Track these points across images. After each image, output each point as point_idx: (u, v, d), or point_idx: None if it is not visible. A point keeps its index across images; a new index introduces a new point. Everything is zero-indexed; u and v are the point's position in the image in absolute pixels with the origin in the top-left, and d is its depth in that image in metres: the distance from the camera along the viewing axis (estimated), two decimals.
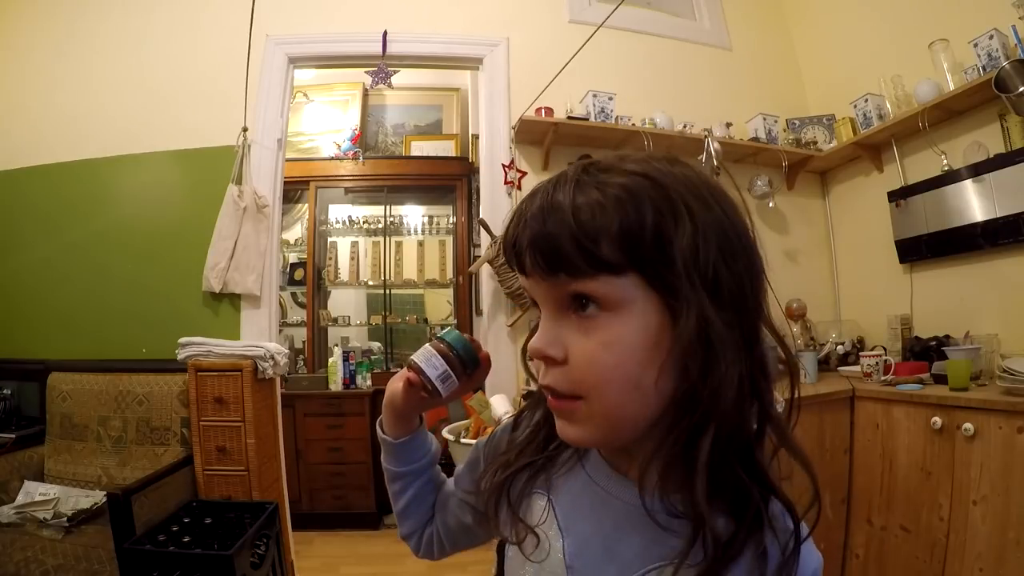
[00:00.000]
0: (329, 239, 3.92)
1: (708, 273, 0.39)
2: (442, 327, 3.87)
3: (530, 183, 2.64)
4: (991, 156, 1.99)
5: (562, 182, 0.42)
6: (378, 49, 2.59)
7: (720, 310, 0.39)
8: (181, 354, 2.10)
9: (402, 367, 0.62)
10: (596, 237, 0.39)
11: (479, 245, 3.40)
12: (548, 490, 0.50)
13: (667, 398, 0.41)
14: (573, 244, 0.39)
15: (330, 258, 3.84)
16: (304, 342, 3.71)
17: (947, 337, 2.05)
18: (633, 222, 0.39)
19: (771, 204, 2.70)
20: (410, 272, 3.90)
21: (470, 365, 0.58)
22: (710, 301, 0.39)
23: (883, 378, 1.96)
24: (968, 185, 2.04)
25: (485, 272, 2.52)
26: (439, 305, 3.97)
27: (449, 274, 3.85)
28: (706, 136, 2.48)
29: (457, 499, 0.63)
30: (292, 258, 3.92)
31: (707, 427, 0.39)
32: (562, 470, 0.51)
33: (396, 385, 0.61)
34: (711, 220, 0.41)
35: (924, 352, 2.05)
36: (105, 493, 1.79)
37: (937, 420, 1.64)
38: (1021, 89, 1.79)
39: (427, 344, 0.58)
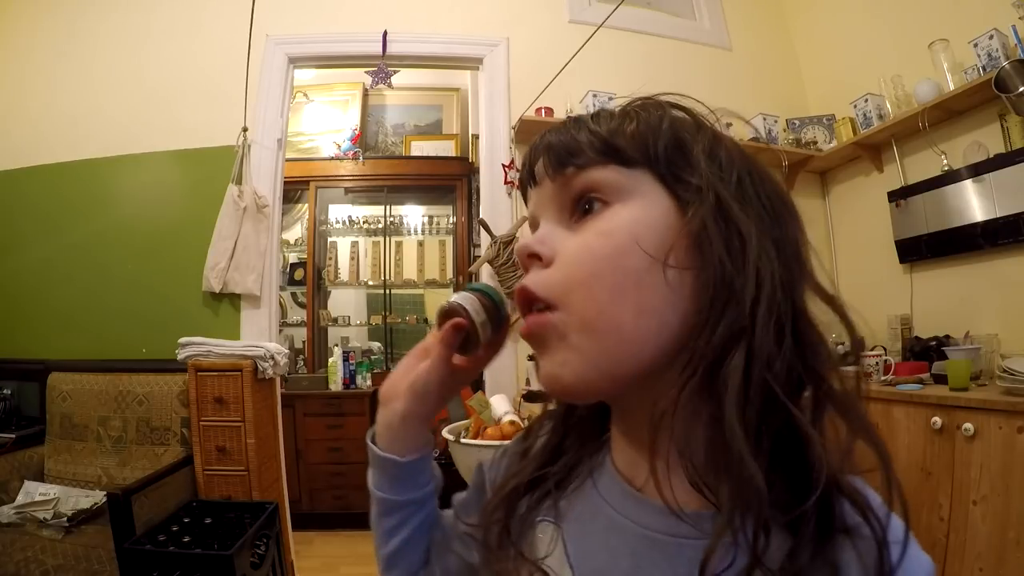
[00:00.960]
0: (329, 239, 3.92)
1: (731, 179, 0.35)
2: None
3: None
4: (991, 156, 1.99)
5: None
6: (378, 49, 2.59)
7: (748, 217, 0.34)
8: (181, 354, 2.10)
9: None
10: (612, 131, 0.37)
11: (479, 245, 3.40)
12: (556, 517, 0.41)
13: (684, 313, 0.33)
14: (588, 134, 0.37)
15: (330, 258, 3.84)
16: (304, 342, 3.71)
17: (947, 337, 2.05)
18: (652, 123, 0.37)
19: None
20: (410, 272, 3.90)
21: (498, 323, 0.48)
22: (733, 198, 0.35)
23: (883, 378, 1.95)
24: (968, 185, 2.04)
25: (485, 272, 2.52)
26: (439, 305, 3.97)
27: (449, 274, 3.85)
28: None
29: (460, 534, 0.50)
30: (292, 258, 3.92)
31: (735, 342, 0.31)
32: (571, 490, 0.42)
33: (419, 366, 0.48)
34: (738, 151, 0.37)
35: (924, 352, 2.05)
36: (105, 493, 1.79)
37: (937, 420, 1.64)
38: (1021, 89, 1.79)
39: (460, 292, 0.50)
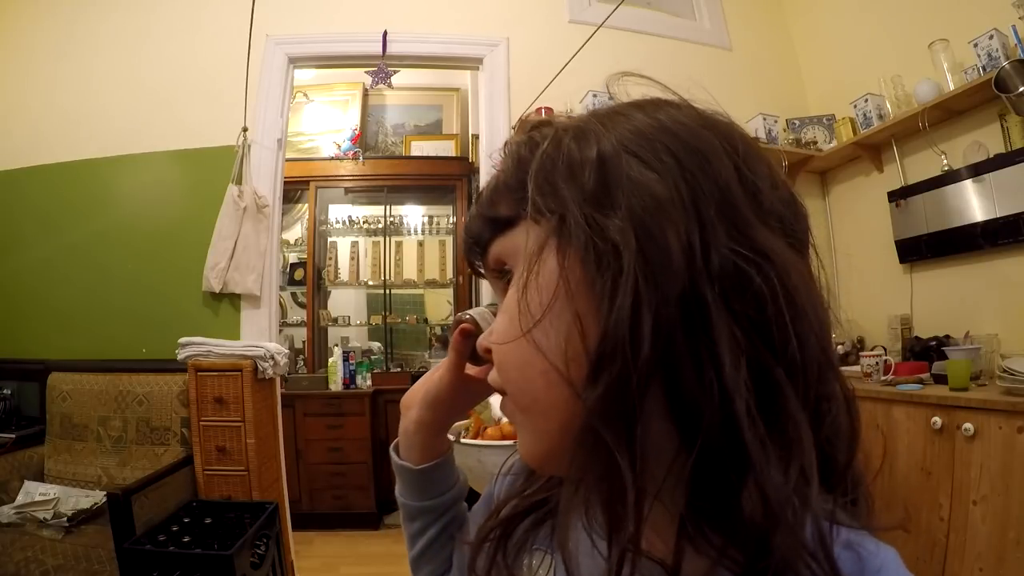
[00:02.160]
0: (329, 239, 3.92)
1: (583, 182, 0.30)
2: (442, 328, 3.87)
3: None
4: (991, 156, 1.99)
5: None
6: (378, 49, 2.59)
7: (602, 214, 0.28)
8: (181, 354, 2.10)
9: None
10: (492, 202, 0.36)
11: None
12: (551, 545, 0.38)
13: (576, 363, 0.29)
14: (479, 219, 0.37)
15: (330, 258, 3.84)
16: (304, 342, 3.71)
17: (947, 337, 2.05)
18: (507, 167, 0.35)
19: None
20: (410, 272, 3.90)
21: None
22: (586, 204, 0.29)
23: (883, 378, 1.95)
24: (968, 185, 2.04)
25: None
26: (439, 305, 3.98)
27: (449, 274, 3.85)
28: None
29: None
30: (292, 258, 3.92)
31: (599, 380, 0.27)
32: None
33: (434, 373, 0.48)
34: (598, 128, 0.32)
35: (924, 352, 2.05)
36: (105, 493, 1.79)
37: (937, 420, 1.64)
38: (1021, 89, 1.79)
39: (478, 308, 0.51)
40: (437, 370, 0.49)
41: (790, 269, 0.28)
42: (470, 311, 0.48)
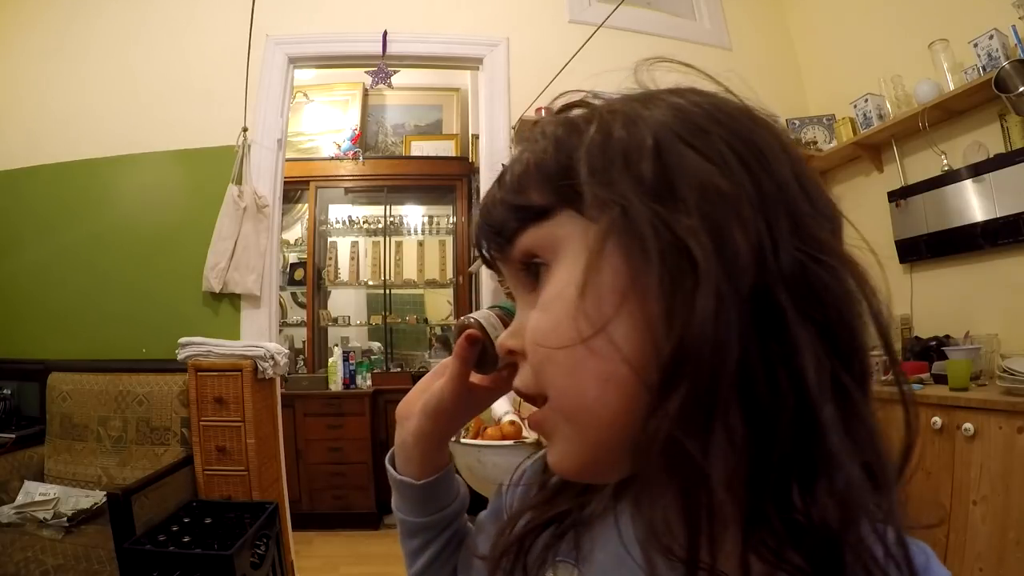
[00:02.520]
0: (329, 239, 3.92)
1: (642, 170, 0.28)
2: (442, 328, 3.87)
3: None
4: (991, 156, 1.99)
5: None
6: (378, 49, 2.59)
7: (676, 212, 0.27)
8: (181, 354, 2.10)
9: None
10: (518, 187, 0.33)
11: None
12: (577, 558, 0.37)
13: (643, 369, 0.27)
14: (501, 204, 0.34)
15: (330, 258, 3.84)
16: (304, 342, 3.71)
17: (947, 337, 2.05)
18: (545, 152, 0.32)
19: None
20: (410, 272, 3.90)
21: None
22: (648, 198, 0.27)
23: (883, 378, 1.95)
24: (968, 185, 2.04)
25: (485, 272, 2.52)
26: (439, 305, 3.98)
27: (449, 274, 3.85)
28: None
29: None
30: (292, 258, 3.92)
31: (677, 386, 0.25)
32: (595, 528, 0.37)
33: (435, 384, 0.45)
34: (642, 116, 0.30)
35: (924, 352, 2.05)
36: (105, 493, 1.79)
37: (937, 420, 1.64)
38: (1021, 89, 1.79)
39: (482, 310, 0.48)
40: (436, 377, 0.45)
41: (861, 273, 0.28)
42: (473, 315, 0.46)
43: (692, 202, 0.26)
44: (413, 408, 0.46)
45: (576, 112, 0.33)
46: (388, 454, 0.49)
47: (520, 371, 0.34)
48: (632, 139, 0.29)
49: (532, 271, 0.33)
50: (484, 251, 0.36)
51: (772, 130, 0.31)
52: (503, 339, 0.35)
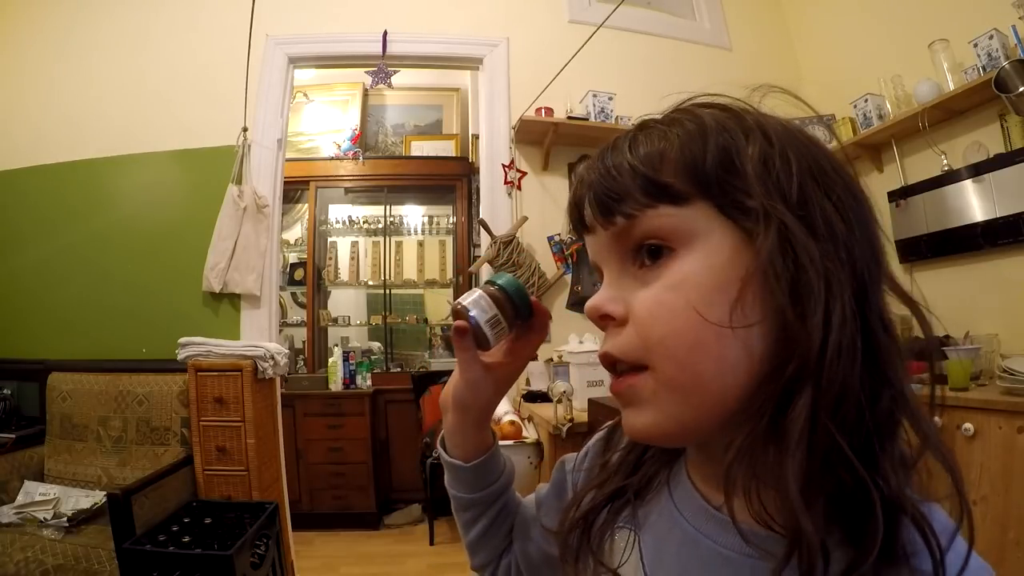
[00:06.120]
0: (329, 239, 3.92)
1: (791, 191, 0.32)
2: (443, 328, 3.87)
3: (530, 183, 2.64)
4: (991, 156, 1.99)
5: (623, 136, 0.38)
6: (378, 49, 2.59)
7: (815, 239, 0.32)
8: (181, 354, 2.10)
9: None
10: (655, 163, 0.34)
11: (479, 245, 3.40)
12: (635, 525, 0.41)
13: (759, 359, 0.32)
14: (630, 174, 0.35)
15: (330, 258, 3.84)
16: (304, 342, 3.71)
17: (947, 337, 2.05)
18: (695, 142, 0.34)
19: None
20: (410, 272, 3.90)
21: (523, 312, 0.48)
22: (797, 220, 0.32)
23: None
24: (968, 185, 2.04)
25: (485, 272, 2.52)
26: (439, 305, 3.98)
27: (449, 274, 3.85)
28: None
29: (539, 527, 0.52)
30: (292, 258, 3.92)
31: (802, 385, 0.30)
32: (649, 499, 0.42)
33: (455, 374, 0.50)
34: (793, 142, 0.35)
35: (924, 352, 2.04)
36: (105, 493, 1.79)
37: (937, 420, 1.64)
38: (1021, 89, 1.79)
39: (475, 288, 0.50)
40: (456, 370, 0.50)
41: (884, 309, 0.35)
42: (462, 300, 0.47)
43: (826, 235, 0.32)
44: (447, 402, 0.51)
45: (725, 113, 0.36)
46: (439, 437, 0.54)
47: (616, 337, 0.36)
48: (784, 161, 0.33)
49: (645, 250, 0.35)
50: (588, 215, 0.37)
51: (855, 181, 0.36)
52: (604, 305, 0.36)
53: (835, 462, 0.30)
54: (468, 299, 0.47)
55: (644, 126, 0.37)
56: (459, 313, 0.47)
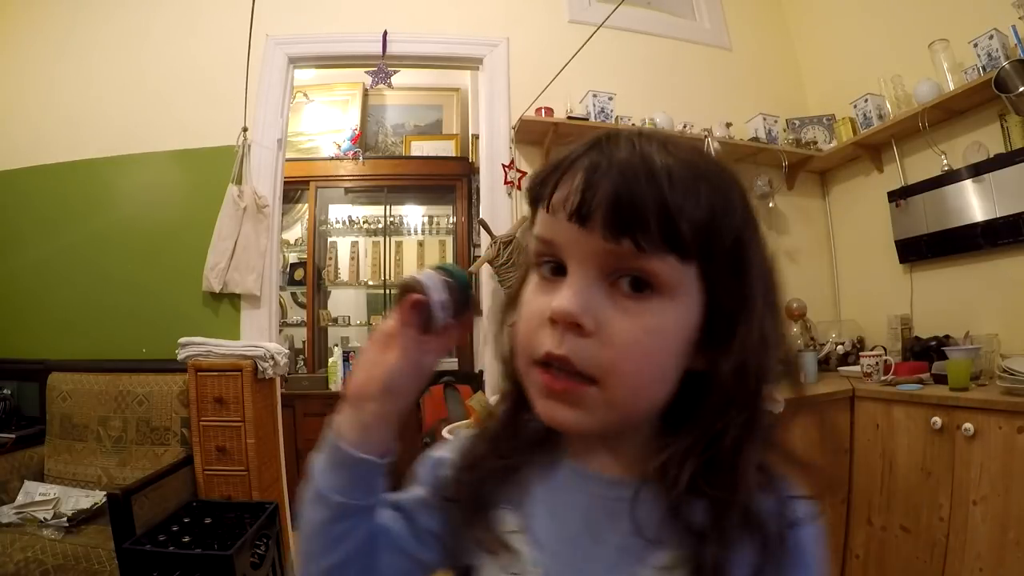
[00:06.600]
0: (329, 239, 3.92)
1: (764, 273, 0.41)
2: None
3: None
4: (991, 156, 1.99)
5: (645, 138, 0.38)
6: (378, 49, 2.58)
7: (771, 315, 0.40)
8: (181, 354, 2.10)
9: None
10: (683, 214, 0.35)
11: (479, 245, 3.40)
12: (518, 499, 0.45)
13: (677, 380, 0.40)
14: (659, 215, 0.35)
15: (330, 258, 3.84)
16: (304, 342, 3.71)
17: (947, 337, 2.05)
18: (719, 214, 0.37)
19: (771, 204, 2.71)
20: (410, 272, 3.89)
21: (463, 307, 0.46)
22: (766, 307, 0.40)
23: (883, 378, 1.95)
24: (968, 185, 2.04)
25: (485, 272, 2.52)
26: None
27: None
28: (706, 136, 2.48)
29: (419, 531, 0.48)
30: (292, 258, 3.92)
31: (727, 413, 0.38)
32: (531, 472, 0.45)
33: (387, 360, 0.45)
34: (756, 227, 0.41)
35: (924, 352, 2.05)
36: (105, 493, 1.79)
37: (937, 420, 1.64)
38: (1021, 89, 1.79)
39: (425, 270, 0.47)
40: (382, 350, 0.45)
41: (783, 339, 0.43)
42: (417, 274, 0.45)
43: (760, 294, 0.40)
44: (373, 390, 0.45)
45: (736, 184, 0.40)
46: (330, 433, 0.47)
47: (573, 344, 0.37)
48: (761, 259, 0.41)
49: (630, 279, 0.37)
50: (595, 215, 0.37)
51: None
52: (578, 315, 0.37)
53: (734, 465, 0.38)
54: (423, 276, 0.45)
55: (670, 148, 0.38)
56: (412, 287, 0.44)
